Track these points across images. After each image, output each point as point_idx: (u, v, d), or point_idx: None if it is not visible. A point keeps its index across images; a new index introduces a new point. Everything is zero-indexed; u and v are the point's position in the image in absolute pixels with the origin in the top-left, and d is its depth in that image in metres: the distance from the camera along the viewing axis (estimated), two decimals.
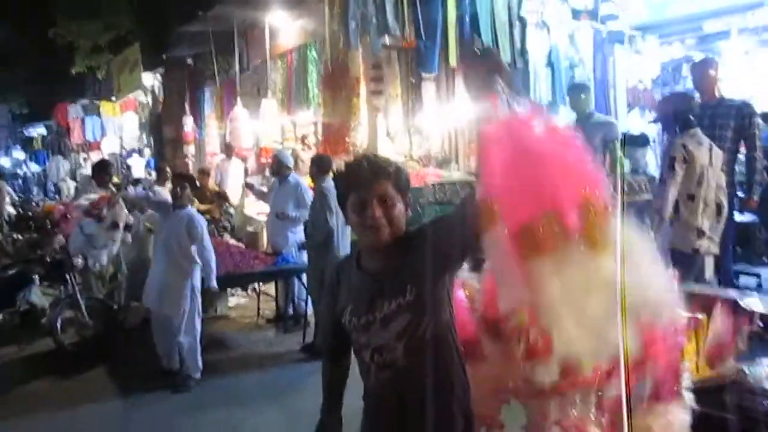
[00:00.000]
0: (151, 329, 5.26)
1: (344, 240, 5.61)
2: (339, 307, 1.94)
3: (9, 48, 19.56)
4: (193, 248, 5.06)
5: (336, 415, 2.08)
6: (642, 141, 5.80)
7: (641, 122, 7.29)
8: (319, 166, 5.83)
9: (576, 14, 7.11)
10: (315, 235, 5.69)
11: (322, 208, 5.60)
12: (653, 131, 6.51)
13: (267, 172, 10.52)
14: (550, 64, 6.83)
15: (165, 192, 6.34)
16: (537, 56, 6.67)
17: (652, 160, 6.32)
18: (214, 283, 5.15)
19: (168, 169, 8.08)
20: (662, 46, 7.94)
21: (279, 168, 6.54)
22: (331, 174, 5.76)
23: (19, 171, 24.75)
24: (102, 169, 6.82)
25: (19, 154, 26.05)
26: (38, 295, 6.06)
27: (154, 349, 5.26)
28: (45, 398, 4.94)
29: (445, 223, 1.81)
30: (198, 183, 6.78)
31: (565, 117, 6.63)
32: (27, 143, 24.89)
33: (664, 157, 4.34)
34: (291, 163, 6.73)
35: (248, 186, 7.06)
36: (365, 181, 1.78)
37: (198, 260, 5.09)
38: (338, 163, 6.11)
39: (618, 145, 5.47)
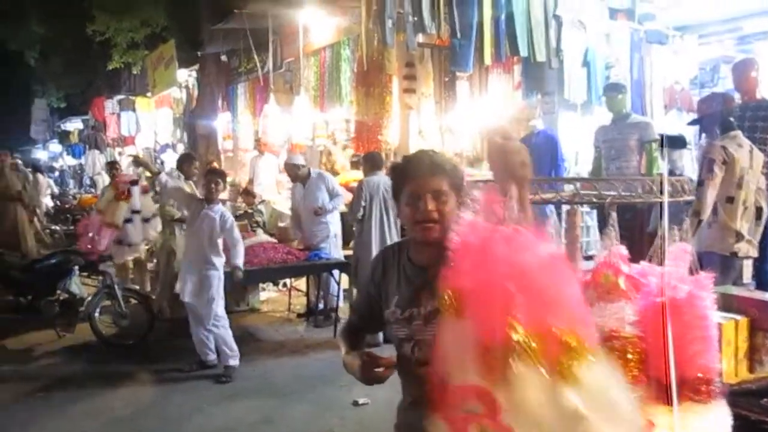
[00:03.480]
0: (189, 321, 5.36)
1: (390, 232, 5.88)
2: (384, 295, 1.95)
3: (48, 44, 20.01)
4: (220, 241, 5.21)
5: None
6: (680, 143, 5.72)
7: (678, 123, 7.19)
8: (372, 164, 6.08)
9: (613, 13, 7.04)
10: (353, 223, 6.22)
11: (355, 199, 6.08)
12: (691, 133, 6.42)
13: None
14: (586, 63, 6.77)
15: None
16: (573, 56, 6.62)
17: (689, 162, 6.24)
18: (239, 262, 5.30)
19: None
20: (700, 46, 7.81)
21: (295, 171, 6.68)
22: (381, 171, 6.05)
23: (55, 164, 25.35)
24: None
25: (56, 147, 26.68)
26: (77, 285, 6.21)
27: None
28: (84, 385, 5.06)
29: None
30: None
31: (601, 117, 6.59)
32: (64, 137, 25.43)
33: (702, 159, 4.29)
34: (303, 161, 6.93)
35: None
36: (422, 174, 1.79)
37: (222, 254, 5.27)
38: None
39: (655, 146, 5.42)
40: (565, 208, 5.39)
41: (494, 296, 1.37)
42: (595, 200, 2.17)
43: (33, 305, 6.01)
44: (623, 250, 2.21)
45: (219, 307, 5.22)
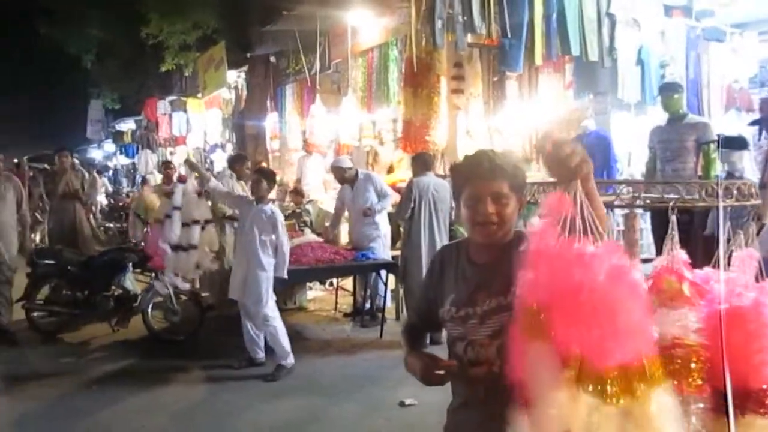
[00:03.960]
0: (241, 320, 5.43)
1: (440, 233, 5.83)
2: (440, 293, 1.94)
3: (104, 47, 20.63)
4: (269, 241, 5.20)
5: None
6: (739, 143, 5.53)
7: (738, 123, 6.96)
8: (422, 164, 6.05)
9: (668, 10, 6.85)
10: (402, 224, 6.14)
11: (404, 199, 6.03)
12: (750, 133, 6.20)
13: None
14: (639, 62, 6.62)
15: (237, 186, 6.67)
16: (626, 54, 6.47)
17: (749, 164, 6.02)
18: (284, 274, 5.30)
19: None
20: (761, 44, 7.53)
21: (342, 174, 6.72)
22: (431, 172, 6.03)
23: (110, 163, 26.13)
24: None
25: (110, 147, 27.52)
26: (131, 281, 6.37)
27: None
28: (137, 379, 5.19)
29: None
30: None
31: (655, 118, 6.42)
32: (117, 137, 26.17)
33: (765, 160, 4.14)
34: (349, 163, 6.95)
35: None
36: (482, 176, 1.77)
37: (272, 254, 5.25)
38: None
39: (713, 147, 5.26)
40: (618, 210, 5.27)
41: (572, 317, 1.39)
42: (657, 203, 2.11)
43: (89, 300, 6.20)
44: (684, 255, 2.14)
45: (267, 307, 5.21)
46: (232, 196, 5.96)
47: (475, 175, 1.79)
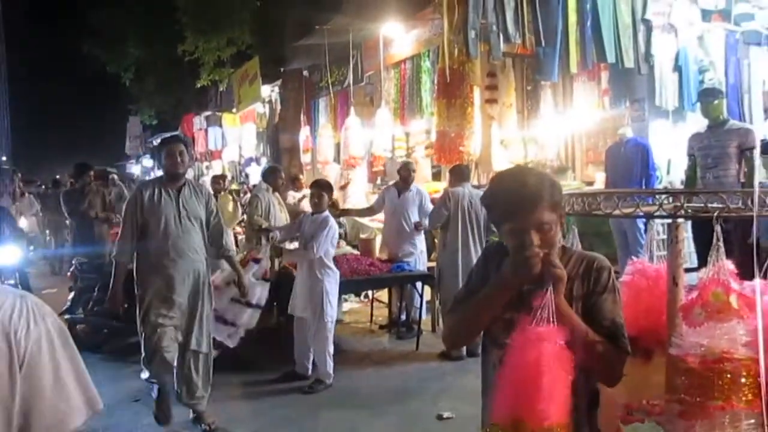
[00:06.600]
0: (293, 334, 5.40)
1: (475, 245, 5.78)
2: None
3: (142, 65, 21.13)
4: (328, 252, 5.13)
5: None
6: None
7: None
8: (458, 176, 6.03)
9: (706, 15, 6.74)
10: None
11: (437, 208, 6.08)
12: None
13: (379, 180, 10.74)
14: (677, 68, 6.52)
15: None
16: (663, 61, 6.39)
17: None
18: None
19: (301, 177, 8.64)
20: None
21: (407, 174, 6.71)
22: (467, 183, 6.01)
23: (147, 178, 26.68)
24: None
25: (148, 162, 28.13)
26: None
27: (285, 351, 5.43)
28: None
29: (602, 319, 1.78)
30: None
31: (694, 124, 6.31)
32: (155, 152, 26.68)
33: None
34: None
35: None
36: (522, 209, 1.68)
37: (333, 266, 5.21)
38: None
39: (756, 153, 5.14)
40: (656, 220, 5.16)
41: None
42: (700, 213, 2.06)
43: (129, 313, 6.28)
44: (731, 266, 2.08)
45: (327, 323, 5.11)
46: (288, 227, 5.91)
47: (515, 209, 1.69)
